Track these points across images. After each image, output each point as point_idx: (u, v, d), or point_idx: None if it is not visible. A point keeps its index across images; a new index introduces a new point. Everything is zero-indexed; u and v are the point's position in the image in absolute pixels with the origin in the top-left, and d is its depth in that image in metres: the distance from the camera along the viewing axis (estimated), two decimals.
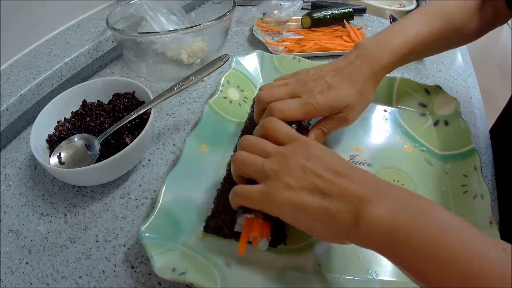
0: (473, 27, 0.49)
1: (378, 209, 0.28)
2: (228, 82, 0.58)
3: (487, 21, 0.49)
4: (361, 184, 0.30)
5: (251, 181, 0.36)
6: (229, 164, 0.48)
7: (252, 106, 0.57)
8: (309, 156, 0.33)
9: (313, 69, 0.46)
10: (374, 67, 0.44)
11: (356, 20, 0.86)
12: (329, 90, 0.43)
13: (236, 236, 0.38)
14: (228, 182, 0.44)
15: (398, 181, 0.47)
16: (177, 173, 0.44)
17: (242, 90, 0.59)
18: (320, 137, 0.45)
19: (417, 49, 0.46)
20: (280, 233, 0.37)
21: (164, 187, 0.42)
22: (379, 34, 0.47)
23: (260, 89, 0.47)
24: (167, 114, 0.59)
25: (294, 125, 0.43)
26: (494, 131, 0.60)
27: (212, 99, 0.54)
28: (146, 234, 0.37)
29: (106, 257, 0.40)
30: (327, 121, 0.45)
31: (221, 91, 0.56)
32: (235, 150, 0.50)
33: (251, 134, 0.41)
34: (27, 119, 0.56)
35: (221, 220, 0.40)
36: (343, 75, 0.44)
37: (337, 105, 0.43)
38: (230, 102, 0.56)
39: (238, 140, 0.48)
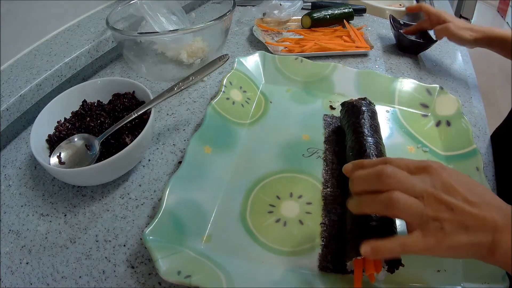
0: None
1: (509, 237, 0.31)
2: (230, 83, 0.58)
3: None
4: (493, 213, 0.32)
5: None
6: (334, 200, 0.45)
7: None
8: (449, 190, 0.34)
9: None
10: None
11: (356, 20, 0.86)
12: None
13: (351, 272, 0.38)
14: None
15: None
16: (181, 175, 0.44)
17: (244, 91, 0.59)
18: None
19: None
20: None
21: (168, 189, 0.41)
22: None
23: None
24: (167, 114, 0.59)
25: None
26: (496, 137, 0.60)
27: (215, 100, 0.54)
28: (150, 237, 0.37)
29: (106, 257, 0.40)
30: None
31: (223, 92, 0.56)
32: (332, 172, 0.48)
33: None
34: (27, 119, 0.56)
35: (338, 259, 0.39)
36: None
37: None
38: (233, 103, 0.56)
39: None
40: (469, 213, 0.32)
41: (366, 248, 0.33)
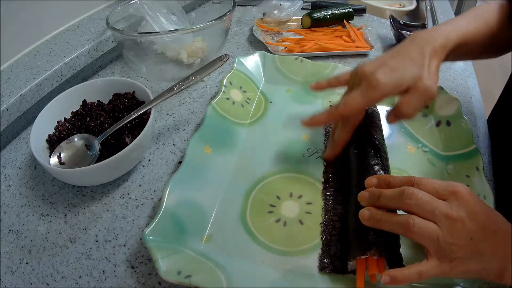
0: (504, 38, 0.50)
1: None
2: (230, 83, 0.58)
3: None
4: (505, 242, 0.33)
5: None
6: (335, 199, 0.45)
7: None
8: (472, 217, 0.34)
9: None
10: (433, 45, 0.44)
11: (356, 20, 0.86)
12: (391, 71, 0.41)
13: (352, 272, 0.38)
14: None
15: None
16: (181, 175, 0.44)
17: (244, 91, 0.59)
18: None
19: (466, 41, 0.46)
20: (396, 258, 0.36)
21: (168, 189, 0.41)
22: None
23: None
24: (167, 114, 0.59)
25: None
26: (492, 120, 0.60)
27: (215, 100, 0.54)
28: (150, 237, 0.37)
29: (106, 257, 0.40)
30: (408, 97, 0.41)
31: (223, 92, 0.56)
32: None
33: None
34: (27, 119, 0.56)
35: (338, 258, 0.39)
36: (403, 54, 0.43)
37: (400, 78, 0.41)
38: (233, 103, 0.56)
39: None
40: (487, 242, 0.33)
41: (385, 278, 0.33)
